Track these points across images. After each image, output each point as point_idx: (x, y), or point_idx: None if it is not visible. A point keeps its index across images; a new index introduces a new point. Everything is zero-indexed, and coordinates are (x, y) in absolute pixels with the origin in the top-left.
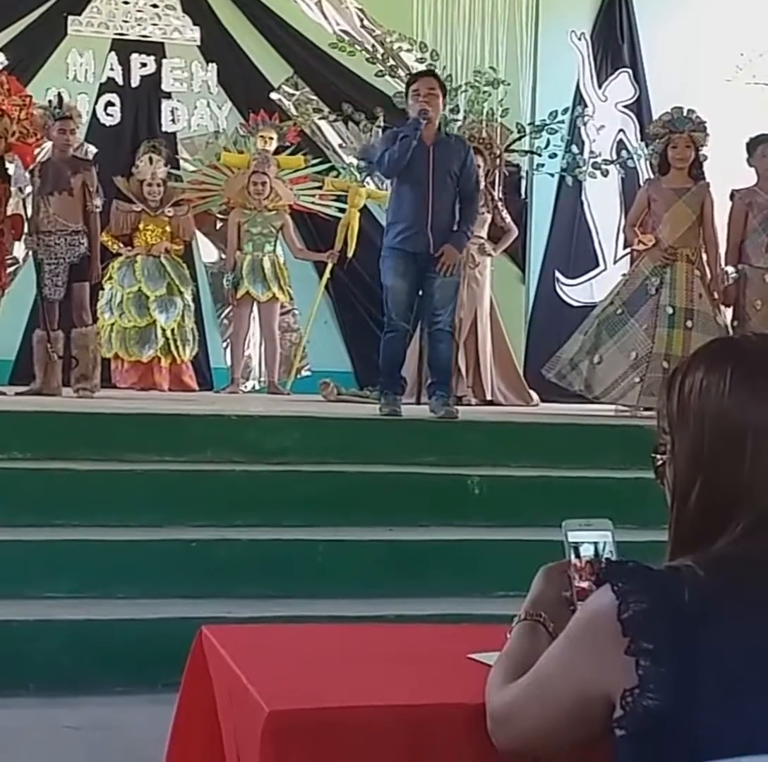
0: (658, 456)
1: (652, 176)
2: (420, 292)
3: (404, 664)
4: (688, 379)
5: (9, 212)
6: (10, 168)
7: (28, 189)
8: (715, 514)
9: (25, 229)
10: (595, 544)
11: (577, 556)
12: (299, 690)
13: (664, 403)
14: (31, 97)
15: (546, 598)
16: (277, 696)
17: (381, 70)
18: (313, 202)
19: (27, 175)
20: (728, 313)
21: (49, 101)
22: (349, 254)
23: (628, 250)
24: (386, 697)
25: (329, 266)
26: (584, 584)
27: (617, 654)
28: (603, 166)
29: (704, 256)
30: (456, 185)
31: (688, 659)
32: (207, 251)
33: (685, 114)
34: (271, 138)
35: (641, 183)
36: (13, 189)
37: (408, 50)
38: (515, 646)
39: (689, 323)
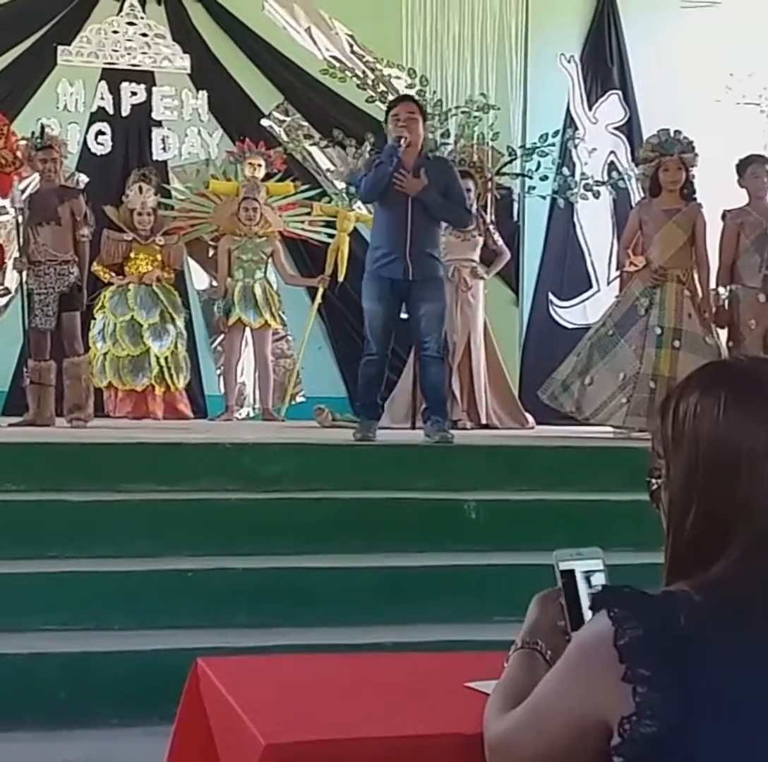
0: (654, 480)
1: (643, 198)
2: (405, 318)
3: (402, 694)
4: (682, 403)
5: None
6: None
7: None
8: (710, 538)
9: (7, 258)
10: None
11: None
12: (296, 722)
13: (658, 427)
14: (8, 125)
15: (542, 626)
16: (274, 728)
17: (372, 96)
18: (303, 228)
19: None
20: (723, 333)
21: (32, 132)
22: (340, 278)
23: (620, 271)
24: (384, 728)
25: (320, 291)
26: None
27: (614, 681)
28: (594, 188)
29: (696, 277)
30: None
31: (685, 685)
32: (199, 279)
33: (672, 136)
34: (260, 165)
35: (633, 204)
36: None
37: (397, 77)
38: (512, 674)
39: (677, 343)
